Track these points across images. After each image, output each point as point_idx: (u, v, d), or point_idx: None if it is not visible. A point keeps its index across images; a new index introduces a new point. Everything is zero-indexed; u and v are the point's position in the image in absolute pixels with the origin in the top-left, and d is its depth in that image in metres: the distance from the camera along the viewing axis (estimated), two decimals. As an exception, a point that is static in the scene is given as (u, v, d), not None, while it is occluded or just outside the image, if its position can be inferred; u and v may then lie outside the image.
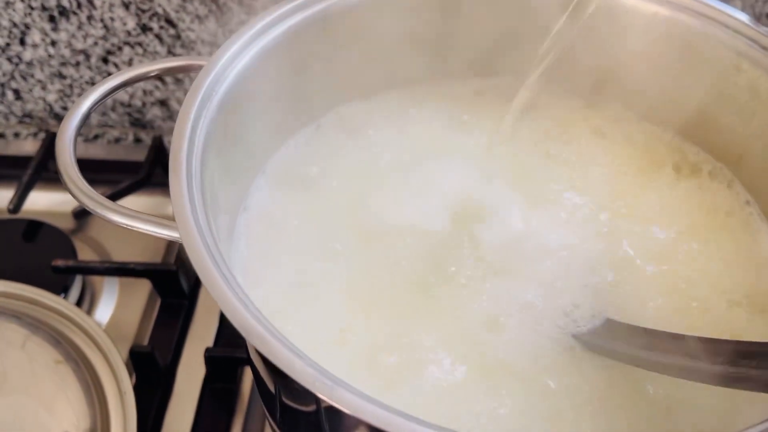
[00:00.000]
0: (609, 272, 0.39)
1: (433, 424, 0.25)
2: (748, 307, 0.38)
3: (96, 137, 0.75)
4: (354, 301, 0.37)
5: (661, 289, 0.39)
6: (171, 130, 0.39)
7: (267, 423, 0.54)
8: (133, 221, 0.34)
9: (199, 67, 0.38)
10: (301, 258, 0.39)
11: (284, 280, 0.38)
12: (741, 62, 0.41)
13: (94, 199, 0.35)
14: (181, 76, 0.70)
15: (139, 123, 0.75)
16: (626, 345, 0.34)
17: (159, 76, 0.40)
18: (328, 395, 0.25)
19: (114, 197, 0.65)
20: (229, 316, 0.27)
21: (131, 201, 0.67)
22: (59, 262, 0.58)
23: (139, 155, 0.71)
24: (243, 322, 0.27)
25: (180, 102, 0.70)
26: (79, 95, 0.52)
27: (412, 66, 0.47)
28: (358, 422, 0.31)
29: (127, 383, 0.51)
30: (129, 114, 0.74)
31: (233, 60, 0.39)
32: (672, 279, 0.39)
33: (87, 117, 0.37)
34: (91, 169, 0.70)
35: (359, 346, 0.36)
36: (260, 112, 0.41)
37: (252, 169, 0.42)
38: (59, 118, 0.75)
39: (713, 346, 0.30)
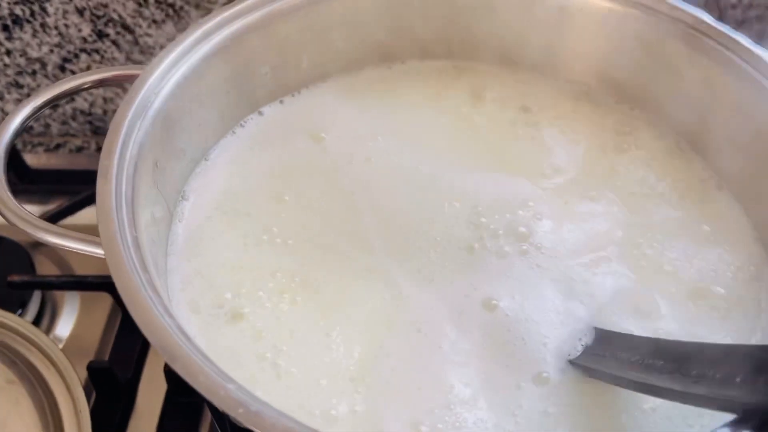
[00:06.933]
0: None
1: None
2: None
3: (57, 146, 0.74)
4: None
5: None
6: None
7: (231, 437, 0.53)
8: (61, 239, 0.33)
9: (135, 77, 0.37)
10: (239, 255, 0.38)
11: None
12: (693, 56, 0.40)
13: (24, 218, 0.34)
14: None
15: (101, 131, 0.73)
16: (617, 362, 0.32)
17: (93, 88, 0.39)
18: (246, 420, 0.24)
19: (73, 208, 0.63)
20: (146, 334, 0.26)
21: (91, 211, 0.65)
22: (15, 278, 0.57)
23: (102, 164, 0.70)
24: (161, 341, 0.26)
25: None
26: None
27: (361, 55, 0.46)
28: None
29: (83, 402, 0.49)
30: (90, 122, 0.73)
31: (170, 69, 0.38)
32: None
33: (15, 137, 0.36)
34: (52, 180, 0.70)
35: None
36: (198, 118, 0.40)
37: (189, 168, 0.41)
38: (19, 129, 0.74)
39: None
